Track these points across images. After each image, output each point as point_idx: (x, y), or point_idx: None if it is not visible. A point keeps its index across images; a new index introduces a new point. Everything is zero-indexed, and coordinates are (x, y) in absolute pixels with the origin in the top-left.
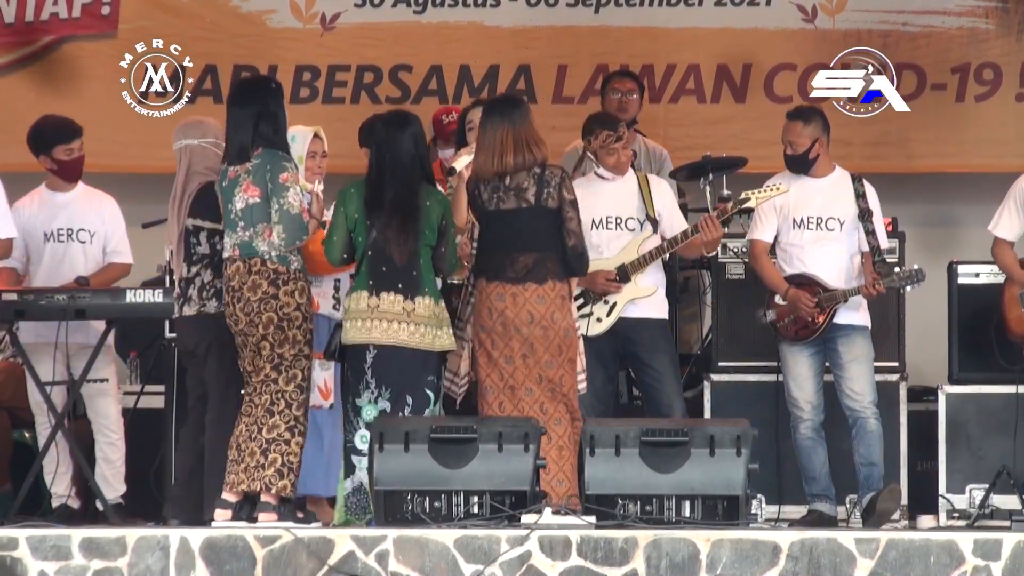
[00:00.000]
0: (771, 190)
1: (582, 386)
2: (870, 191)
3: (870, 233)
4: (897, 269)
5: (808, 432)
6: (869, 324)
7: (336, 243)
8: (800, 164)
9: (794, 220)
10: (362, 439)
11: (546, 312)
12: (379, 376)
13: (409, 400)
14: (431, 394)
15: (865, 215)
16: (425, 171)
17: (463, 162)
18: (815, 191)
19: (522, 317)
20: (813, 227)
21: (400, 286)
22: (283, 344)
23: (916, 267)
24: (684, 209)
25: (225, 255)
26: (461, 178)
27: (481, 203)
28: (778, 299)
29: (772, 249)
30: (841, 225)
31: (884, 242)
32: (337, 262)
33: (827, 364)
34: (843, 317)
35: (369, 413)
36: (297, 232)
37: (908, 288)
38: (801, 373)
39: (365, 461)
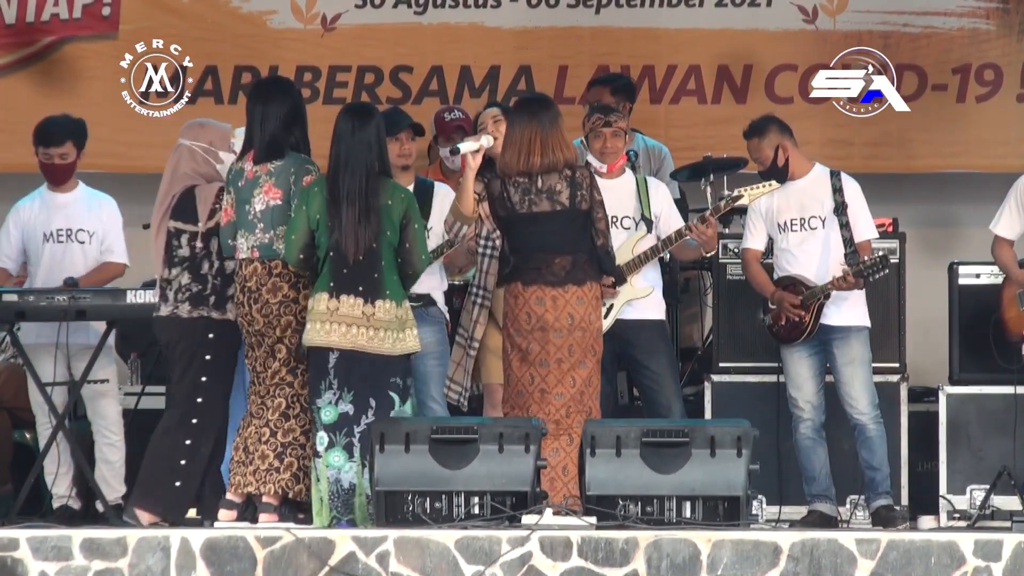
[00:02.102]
0: (764, 187)
1: None
2: (848, 184)
3: (843, 226)
4: (865, 258)
5: (808, 432)
6: (867, 323)
7: (295, 242)
8: (774, 175)
9: (779, 225)
10: (320, 441)
11: (585, 314)
12: (341, 378)
13: (372, 403)
14: (395, 396)
15: (840, 208)
16: (384, 165)
17: (469, 146)
18: (793, 193)
19: (562, 320)
20: (797, 228)
21: (360, 289)
22: (300, 347)
23: (880, 254)
24: (684, 208)
25: (242, 256)
26: (467, 165)
27: (511, 205)
28: (770, 303)
29: (769, 255)
30: (823, 222)
31: (863, 234)
32: (294, 262)
33: (828, 365)
34: (838, 318)
35: (328, 415)
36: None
37: (877, 276)
38: (800, 374)
39: (320, 463)
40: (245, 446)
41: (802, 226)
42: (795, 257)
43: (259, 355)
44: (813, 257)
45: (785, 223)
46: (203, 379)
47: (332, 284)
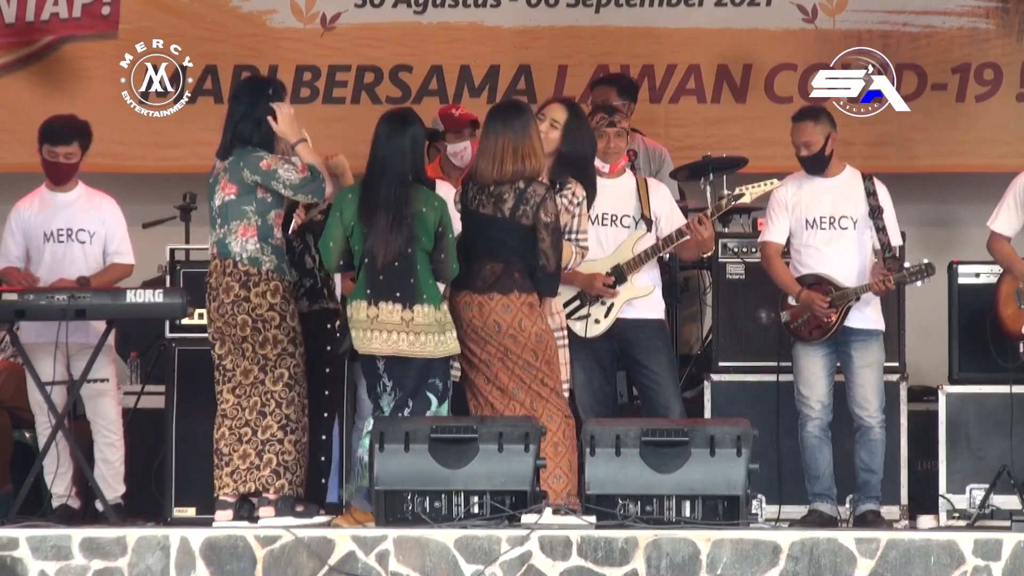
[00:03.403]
0: (766, 184)
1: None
2: (880, 188)
3: (880, 230)
4: (907, 264)
5: (815, 431)
6: (883, 327)
7: (332, 249)
8: (818, 163)
9: (806, 220)
10: None
11: (513, 320)
12: (395, 379)
13: (410, 403)
14: (432, 397)
15: (876, 212)
16: (419, 174)
17: None
18: (825, 190)
19: (489, 327)
20: (826, 227)
21: (398, 295)
22: (264, 345)
23: (926, 261)
24: (684, 210)
25: (209, 252)
26: None
27: (465, 204)
28: (791, 300)
29: (786, 249)
30: (854, 224)
31: (896, 239)
32: (333, 269)
33: (838, 364)
34: (858, 320)
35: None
36: (318, 185)
37: (919, 283)
38: (813, 372)
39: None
40: (218, 448)
41: (831, 225)
42: (822, 255)
43: (222, 353)
44: (843, 257)
45: (814, 220)
46: (327, 370)
47: (369, 291)
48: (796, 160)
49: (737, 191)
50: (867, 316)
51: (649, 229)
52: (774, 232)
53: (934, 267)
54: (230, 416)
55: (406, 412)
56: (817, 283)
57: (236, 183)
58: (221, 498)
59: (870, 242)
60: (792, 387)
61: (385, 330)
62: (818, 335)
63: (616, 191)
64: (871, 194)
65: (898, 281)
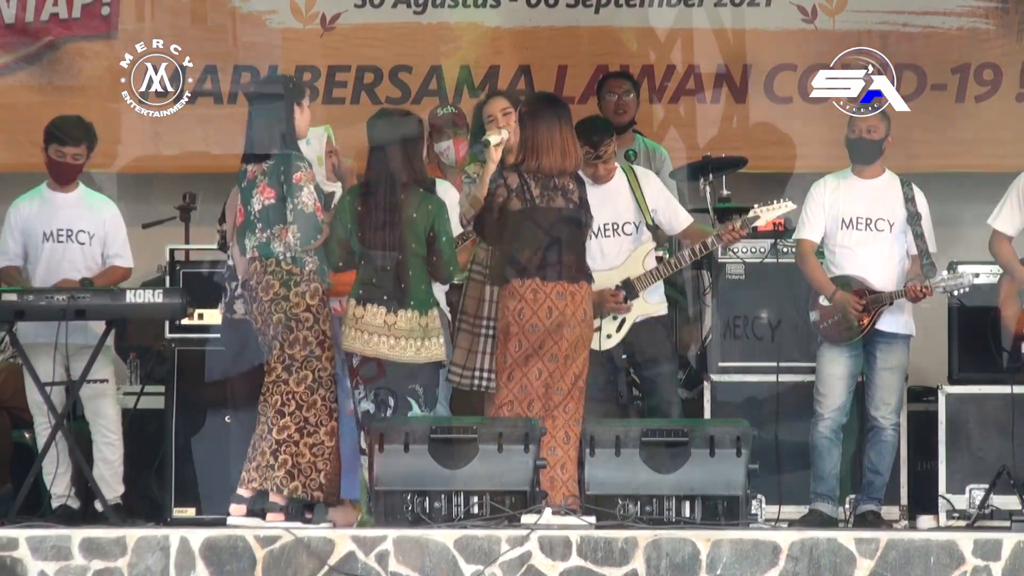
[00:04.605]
0: (779, 207)
1: None
2: (919, 195)
3: (919, 236)
4: (945, 273)
5: (826, 432)
6: (913, 331)
7: (332, 250)
8: (872, 151)
9: (842, 220)
10: (363, 439)
11: (592, 310)
12: (365, 379)
13: (391, 402)
14: (413, 403)
15: (914, 218)
16: (415, 176)
17: (494, 139)
18: (863, 191)
19: (579, 315)
20: (862, 228)
21: (385, 298)
22: (293, 345)
23: (963, 273)
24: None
25: (248, 256)
26: (490, 156)
27: (531, 198)
28: (822, 300)
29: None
30: (891, 227)
31: (933, 246)
32: (334, 269)
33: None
34: (889, 324)
35: (361, 411)
36: (311, 231)
37: (955, 293)
38: (835, 373)
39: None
40: (253, 443)
41: (867, 226)
42: (855, 255)
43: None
44: (878, 260)
45: (851, 220)
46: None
47: (361, 292)
48: (794, 161)
49: (752, 214)
50: (899, 320)
51: (655, 233)
52: (809, 230)
53: (972, 279)
54: (261, 413)
55: (388, 412)
56: (848, 285)
57: (275, 187)
58: (238, 492)
59: (906, 248)
60: (794, 386)
61: (367, 332)
62: (848, 337)
63: (611, 196)
64: (909, 200)
65: (934, 289)
